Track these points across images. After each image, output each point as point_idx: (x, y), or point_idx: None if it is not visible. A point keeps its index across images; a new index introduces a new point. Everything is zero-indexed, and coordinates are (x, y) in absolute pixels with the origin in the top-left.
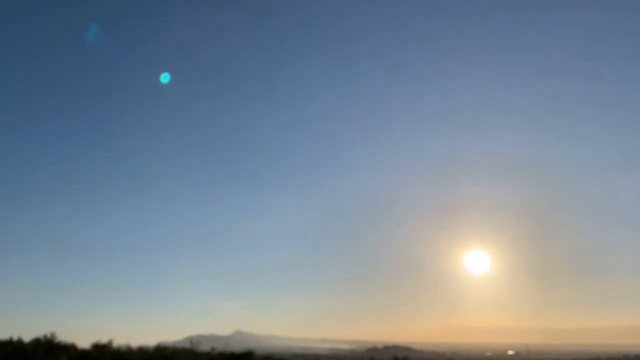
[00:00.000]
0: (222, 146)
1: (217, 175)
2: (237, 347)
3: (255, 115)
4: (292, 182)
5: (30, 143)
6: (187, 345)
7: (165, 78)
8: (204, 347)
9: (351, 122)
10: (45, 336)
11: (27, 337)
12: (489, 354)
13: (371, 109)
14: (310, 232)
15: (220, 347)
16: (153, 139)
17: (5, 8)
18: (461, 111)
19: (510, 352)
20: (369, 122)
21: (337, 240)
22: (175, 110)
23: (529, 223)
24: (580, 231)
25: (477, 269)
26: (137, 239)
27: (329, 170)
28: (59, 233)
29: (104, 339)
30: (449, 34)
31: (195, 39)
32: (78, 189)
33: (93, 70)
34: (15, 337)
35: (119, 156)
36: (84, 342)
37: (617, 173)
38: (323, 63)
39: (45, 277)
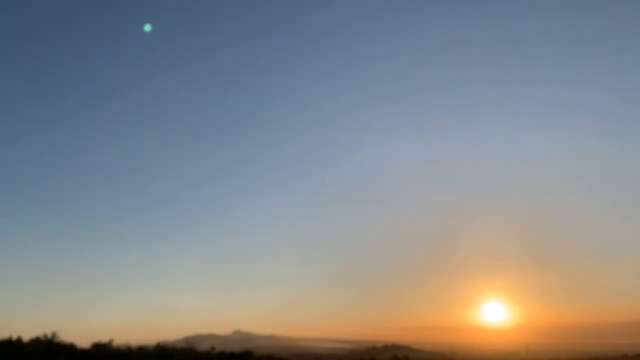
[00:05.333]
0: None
1: (214, 167)
2: (236, 346)
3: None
4: (289, 179)
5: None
6: (187, 345)
7: (148, 28)
8: (204, 347)
9: (352, 122)
10: (45, 336)
11: (27, 337)
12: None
13: (372, 109)
14: (311, 231)
15: (219, 346)
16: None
17: None
18: (458, 115)
19: (510, 351)
20: (368, 123)
21: (337, 239)
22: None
23: (527, 219)
24: (579, 227)
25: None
26: (137, 239)
27: (328, 170)
28: (58, 232)
29: (104, 339)
30: (456, 41)
31: None
32: (76, 185)
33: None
34: (15, 337)
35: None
36: (84, 342)
37: (616, 169)
38: (322, 61)
39: (45, 277)
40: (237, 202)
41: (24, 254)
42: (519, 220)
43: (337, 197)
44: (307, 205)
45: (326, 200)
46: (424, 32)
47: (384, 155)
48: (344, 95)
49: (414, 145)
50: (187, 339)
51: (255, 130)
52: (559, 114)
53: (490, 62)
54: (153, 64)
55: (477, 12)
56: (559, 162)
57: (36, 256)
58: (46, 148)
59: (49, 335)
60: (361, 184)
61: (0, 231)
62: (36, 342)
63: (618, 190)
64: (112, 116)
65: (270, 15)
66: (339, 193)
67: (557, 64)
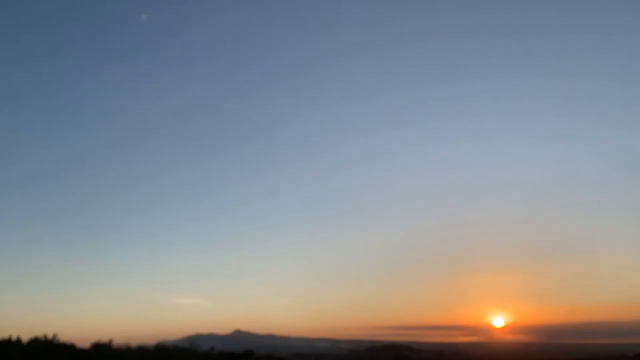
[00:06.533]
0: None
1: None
2: (237, 346)
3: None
4: (290, 177)
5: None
6: (187, 345)
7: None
8: (204, 347)
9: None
10: (45, 336)
11: (26, 337)
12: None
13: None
14: (311, 231)
15: (219, 346)
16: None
17: None
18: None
19: (509, 351)
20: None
21: (336, 239)
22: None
23: (526, 216)
24: (579, 224)
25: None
26: (137, 238)
27: (332, 168)
28: (58, 231)
29: (104, 339)
30: (454, 35)
31: None
32: (76, 183)
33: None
34: (14, 337)
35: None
36: (84, 342)
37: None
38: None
39: (45, 277)
40: (237, 201)
41: (24, 253)
42: (518, 218)
43: (338, 195)
44: (308, 204)
45: (327, 198)
46: (423, 25)
47: (382, 154)
48: (351, 92)
49: (412, 144)
50: (190, 339)
51: (260, 129)
52: (554, 111)
53: (492, 56)
54: (149, 58)
55: (476, 5)
56: (554, 160)
57: (36, 256)
58: (44, 144)
59: (49, 335)
60: (360, 182)
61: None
62: (36, 342)
63: (618, 186)
64: (110, 110)
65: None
66: (341, 191)
67: (558, 56)
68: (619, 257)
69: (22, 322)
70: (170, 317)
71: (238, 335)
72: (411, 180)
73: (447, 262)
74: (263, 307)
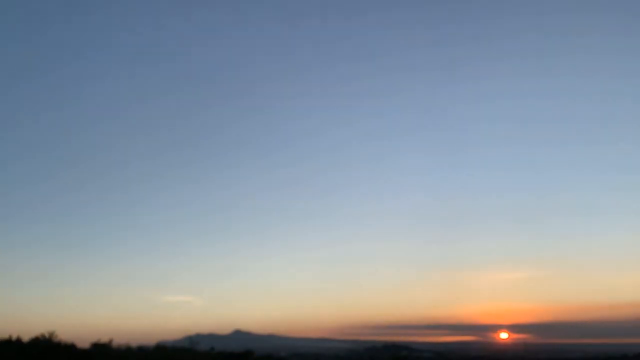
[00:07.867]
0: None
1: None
2: (236, 346)
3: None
4: (291, 176)
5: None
6: (187, 344)
7: None
8: (203, 347)
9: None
10: (44, 336)
11: (26, 337)
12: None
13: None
14: (308, 230)
15: (219, 346)
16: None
17: None
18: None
19: (509, 350)
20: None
21: (335, 237)
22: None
23: (525, 213)
24: (578, 222)
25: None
26: (136, 238)
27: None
28: (58, 231)
29: (103, 339)
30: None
31: None
32: (75, 182)
33: None
34: (14, 337)
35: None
36: (84, 342)
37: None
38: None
39: (45, 276)
40: (238, 200)
41: (23, 253)
42: (518, 217)
43: (338, 194)
44: (308, 203)
45: (328, 197)
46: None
47: (382, 152)
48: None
49: (411, 144)
50: (190, 339)
51: (259, 128)
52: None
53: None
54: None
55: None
56: (555, 159)
57: (36, 255)
58: (43, 144)
59: (48, 335)
60: (359, 180)
61: None
62: (36, 342)
63: (618, 186)
64: (107, 108)
65: None
66: (340, 190)
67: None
68: (620, 256)
69: (22, 322)
70: (170, 317)
71: (238, 335)
72: (411, 179)
73: (446, 260)
74: (263, 307)
